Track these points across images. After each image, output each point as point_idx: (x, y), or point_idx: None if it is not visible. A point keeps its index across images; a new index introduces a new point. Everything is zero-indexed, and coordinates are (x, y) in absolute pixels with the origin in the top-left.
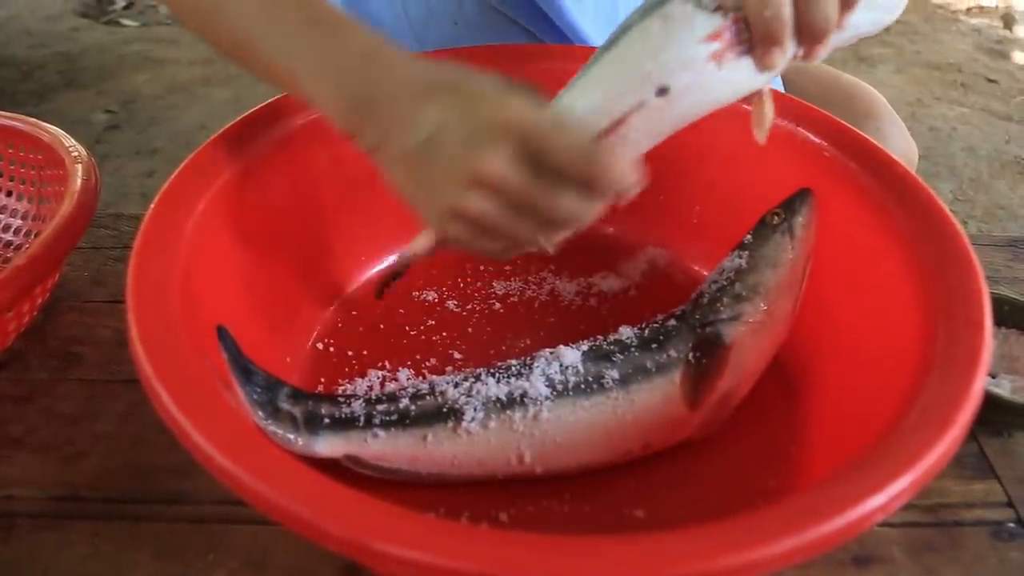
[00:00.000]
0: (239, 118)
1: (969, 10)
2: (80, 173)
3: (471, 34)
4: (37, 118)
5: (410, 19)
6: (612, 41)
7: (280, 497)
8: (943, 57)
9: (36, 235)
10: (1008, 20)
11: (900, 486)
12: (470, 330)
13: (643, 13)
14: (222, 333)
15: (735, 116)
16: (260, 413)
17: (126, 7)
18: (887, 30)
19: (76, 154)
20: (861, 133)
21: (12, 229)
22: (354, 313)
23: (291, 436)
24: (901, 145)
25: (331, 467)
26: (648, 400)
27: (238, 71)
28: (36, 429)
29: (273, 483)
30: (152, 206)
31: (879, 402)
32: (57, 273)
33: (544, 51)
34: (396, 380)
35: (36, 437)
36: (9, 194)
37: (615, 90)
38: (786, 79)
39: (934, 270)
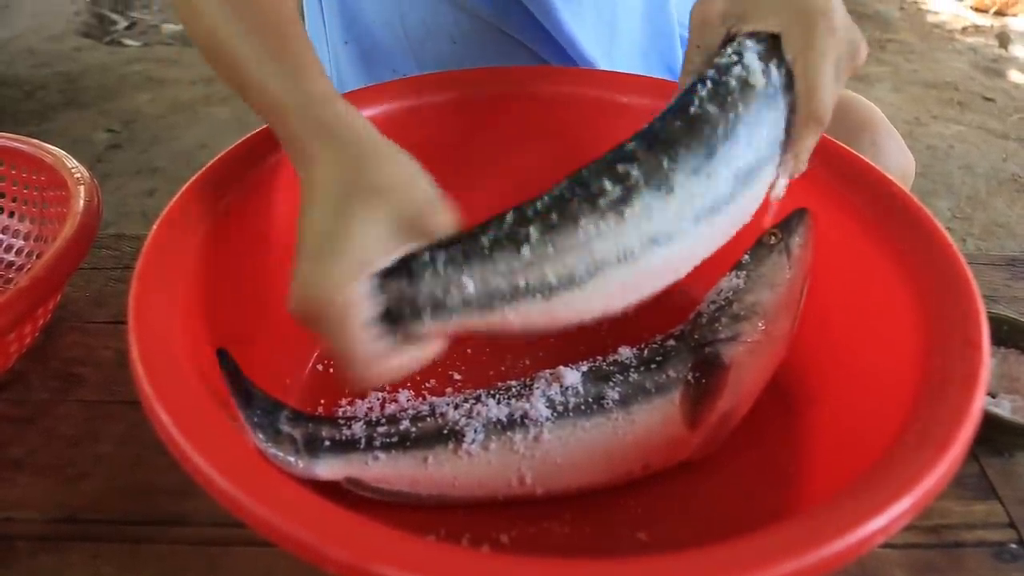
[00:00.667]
0: (242, 139)
1: (965, 29)
2: (82, 194)
3: (470, 52)
4: (38, 138)
5: (409, 38)
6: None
7: (280, 520)
8: (940, 76)
9: (38, 256)
10: (1004, 39)
11: (901, 507)
12: (469, 351)
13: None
14: (222, 355)
15: None
16: (260, 435)
17: (128, 27)
18: (883, 48)
19: (79, 175)
20: (855, 152)
21: (15, 250)
22: None
23: (291, 459)
24: (898, 157)
25: (331, 490)
26: (648, 421)
27: None
28: (36, 451)
29: (273, 506)
30: (154, 228)
31: (878, 422)
32: (59, 294)
33: (544, 72)
34: (396, 402)
35: (36, 459)
36: (11, 215)
37: None
38: None
39: (932, 290)
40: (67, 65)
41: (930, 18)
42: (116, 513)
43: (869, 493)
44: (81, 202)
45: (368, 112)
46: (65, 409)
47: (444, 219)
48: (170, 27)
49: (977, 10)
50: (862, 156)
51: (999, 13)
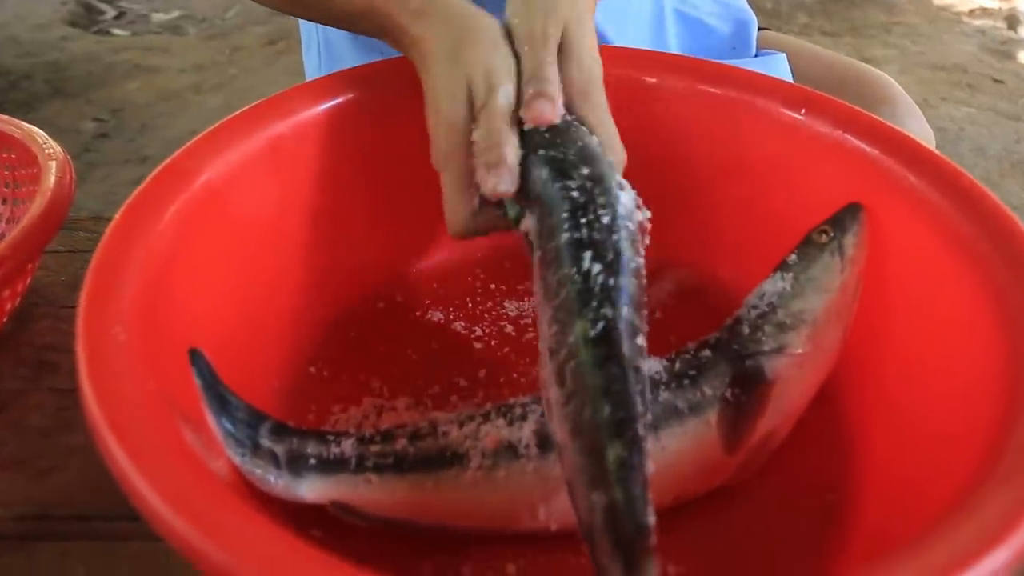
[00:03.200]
0: (222, 120)
1: (972, 11)
2: (54, 170)
3: None
4: None
5: None
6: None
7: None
8: (948, 58)
9: None
10: (1012, 21)
11: (1005, 554)
12: (478, 356)
13: None
14: (195, 357)
15: (775, 124)
16: (237, 449)
17: (116, 17)
18: (888, 31)
19: (50, 151)
20: (918, 140)
21: None
22: (351, 335)
23: (271, 477)
24: (918, 132)
25: (315, 514)
26: (680, 446)
27: (229, 78)
28: (4, 443)
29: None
30: (118, 214)
31: (951, 447)
32: (29, 277)
33: None
34: (395, 410)
35: (4, 452)
36: None
37: None
38: (796, 67)
39: (1016, 296)
40: (54, 54)
41: (936, 1)
42: (88, 508)
43: (955, 533)
44: (52, 178)
45: (366, 92)
46: (37, 398)
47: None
48: (159, 16)
49: None
50: (922, 142)
51: None
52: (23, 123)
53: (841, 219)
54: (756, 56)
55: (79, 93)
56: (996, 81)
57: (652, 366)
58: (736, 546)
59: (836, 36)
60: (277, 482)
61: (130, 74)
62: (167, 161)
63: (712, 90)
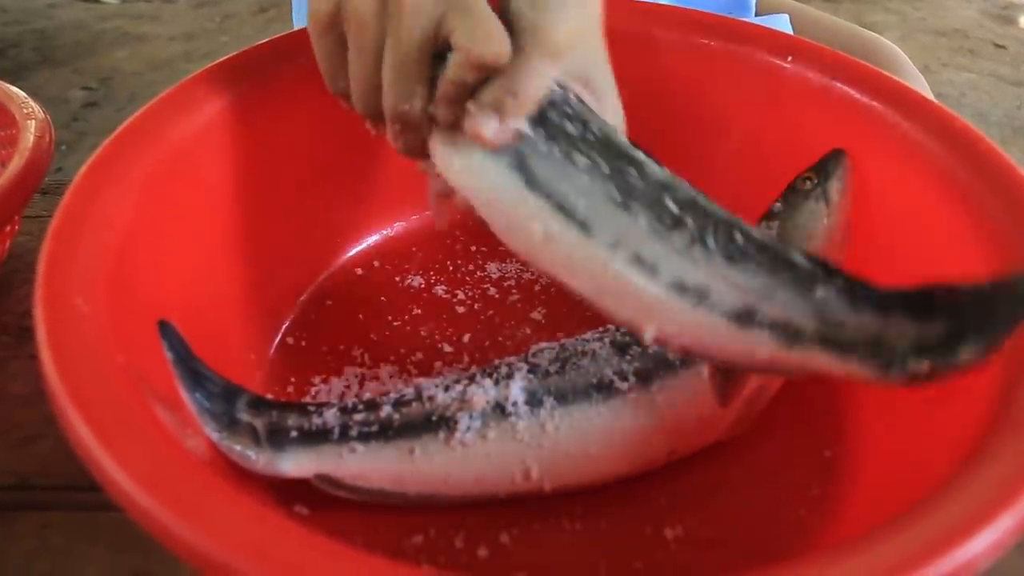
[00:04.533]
0: (192, 75)
1: None
2: (32, 130)
3: None
4: None
5: None
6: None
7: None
8: (948, 23)
9: None
10: None
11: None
12: (461, 319)
13: None
14: (165, 329)
15: (765, 75)
16: (214, 425)
17: None
18: None
19: (28, 111)
20: (912, 87)
21: None
22: (329, 303)
23: (250, 453)
24: None
25: (300, 489)
26: (673, 399)
27: (219, 46)
28: None
29: (206, 531)
30: (78, 175)
31: (949, 401)
32: (8, 240)
33: None
34: (377, 379)
35: None
36: None
37: None
38: (798, 32)
39: (1017, 243)
40: (41, 22)
41: None
42: (69, 478)
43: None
44: (31, 137)
45: None
46: (17, 366)
47: None
48: None
49: None
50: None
51: None
52: (1, 83)
53: (825, 165)
54: (756, 17)
55: (68, 61)
56: (997, 46)
57: None
58: (734, 504)
59: (836, 2)
60: (258, 458)
61: (119, 42)
62: (130, 120)
63: (703, 41)
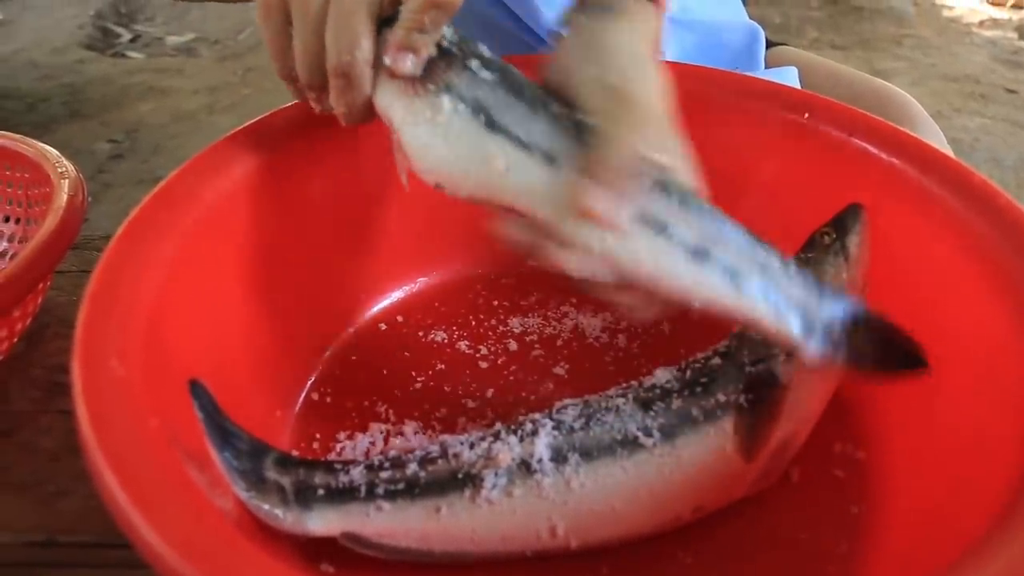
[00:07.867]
0: (219, 139)
1: (982, 22)
2: (66, 189)
3: None
4: None
5: None
6: None
7: None
8: (959, 69)
9: None
10: (1023, 31)
11: None
12: (484, 375)
13: None
14: (196, 388)
15: (782, 132)
16: (242, 483)
17: (132, 40)
18: (899, 44)
19: (62, 170)
20: (927, 141)
21: None
22: (353, 358)
23: (278, 512)
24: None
25: (327, 548)
26: (698, 454)
27: (242, 98)
28: (13, 466)
29: None
30: (115, 238)
31: (982, 448)
32: (40, 296)
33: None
34: (402, 435)
35: (12, 475)
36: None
37: None
38: (811, 83)
39: None
40: (70, 77)
41: (946, 13)
42: (96, 534)
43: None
44: (64, 196)
45: None
46: (47, 421)
47: None
48: (174, 39)
49: (993, 4)
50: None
51: (1016, 6)
52: (36, 142)
53: (843, 219)
54: (765, 71)
55: (94, 115)
56: (1009, 91)
57: (662, 375)
58: (761, 562)
59: (846, 50)
60: (285, 516)
61: (145, 96)
62: (161, 184)
63: (721, 98)
